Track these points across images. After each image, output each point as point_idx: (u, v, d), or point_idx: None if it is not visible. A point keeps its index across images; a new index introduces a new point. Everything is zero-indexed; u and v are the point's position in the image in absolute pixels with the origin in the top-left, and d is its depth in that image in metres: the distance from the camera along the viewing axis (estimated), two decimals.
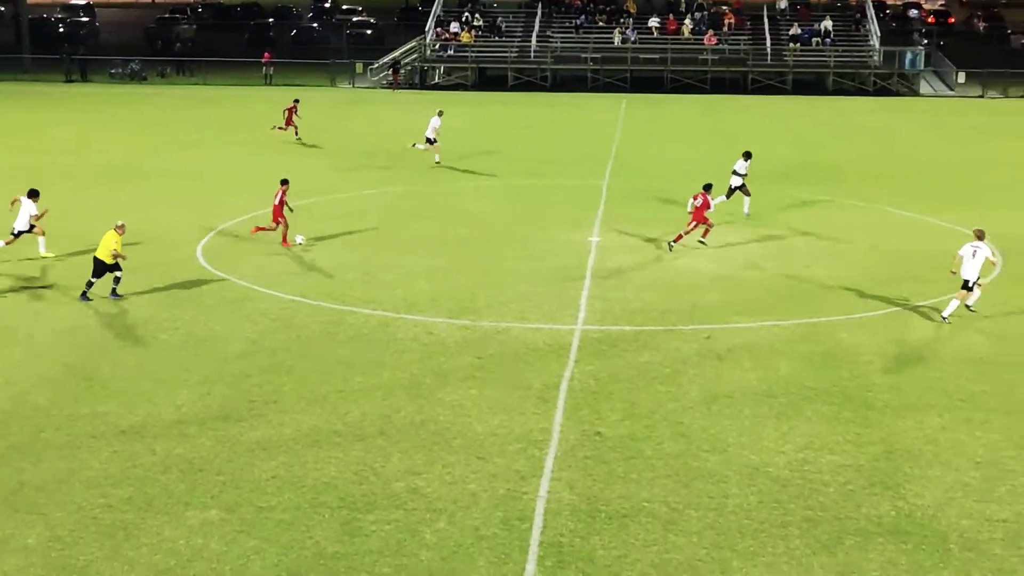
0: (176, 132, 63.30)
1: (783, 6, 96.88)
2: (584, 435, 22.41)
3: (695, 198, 37.20)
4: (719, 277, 33.88)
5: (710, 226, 37.38)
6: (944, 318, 29.76)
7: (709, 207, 37.30)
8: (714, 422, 23.17)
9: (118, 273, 30.87)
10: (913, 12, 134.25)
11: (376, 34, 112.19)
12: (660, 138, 62.45)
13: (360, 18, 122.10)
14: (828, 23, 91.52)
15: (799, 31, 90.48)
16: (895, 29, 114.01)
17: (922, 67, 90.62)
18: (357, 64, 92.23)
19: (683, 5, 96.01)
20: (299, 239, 36.61)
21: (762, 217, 42.00)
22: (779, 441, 22.29)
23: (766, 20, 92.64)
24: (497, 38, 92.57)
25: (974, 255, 29.89)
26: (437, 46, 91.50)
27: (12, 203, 35.23)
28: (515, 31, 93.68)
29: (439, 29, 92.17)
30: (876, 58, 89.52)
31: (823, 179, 50.26)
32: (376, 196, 45.22)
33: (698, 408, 23.88)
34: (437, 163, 52.80)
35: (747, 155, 42.23)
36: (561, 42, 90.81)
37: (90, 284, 30.84)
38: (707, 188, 37.45)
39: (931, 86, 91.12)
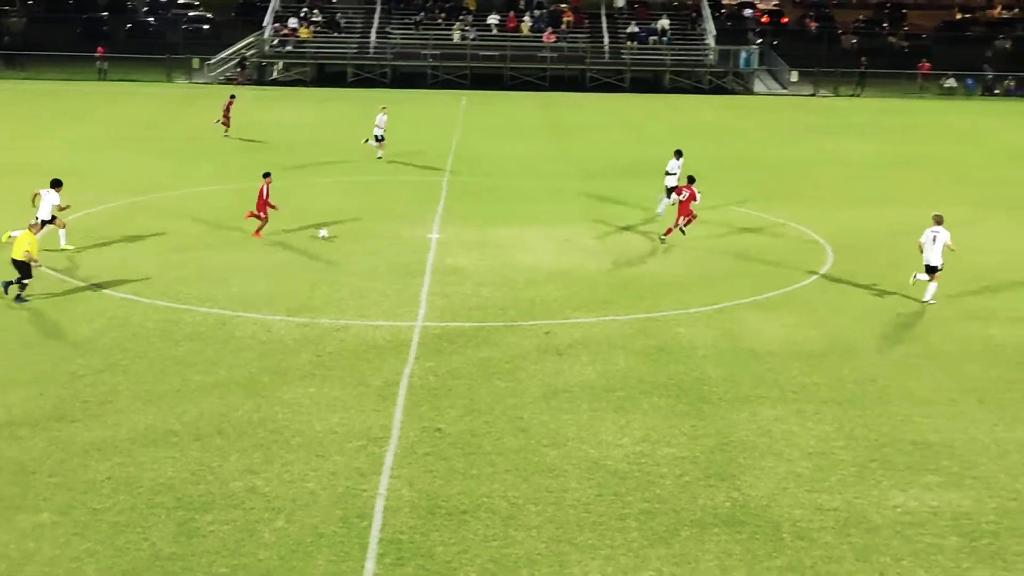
0: (5, 128, 61.73)
1: (621, 5, 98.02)
2: (424, 432, 22.39)
3: (679, 192, 38.18)
4: (558, 273, 34.12)
5: (693, 216, 38.19)
6: (926, 301, 31.67)
7: (695, 199, 37.95)
8: (553, 417, 23.32)
9: (26, 280, 30.13)
10: (747, 12, 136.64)
11: (213, 29, 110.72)
12: (500, 135, 62.70)
13: (197, 13, 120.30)
14: (665, 22, 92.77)
15: (636, 29, 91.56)
16: (730, 28, 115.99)
17: (756, 66, 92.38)
18: (194, 59, 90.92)
19: (522, 3, 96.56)
20: (322, 233, 37.65)
21: (601, 213, 42.40)
22: (617, 435, 22.52)
23: (604, 18, 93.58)
24: (336, 34, 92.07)
25: (935, 240, 31.54)
26: (276, 42, 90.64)
27: (33, 198, 34.65)
28: (354, 27, 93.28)
29: (277, 25, 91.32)
30: (712, 57, 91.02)
31: (659, 175, 50.81)
32: (215, 193, 44.66)
33: (537, 403, 24.01)
34: (379, 159, 53.43)
35: (678, 154, 42.72)
36: (401, 39, 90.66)
37: (23, 286, 30.08)
38: (691, 180, 38.32)
39: (765, 84, 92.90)
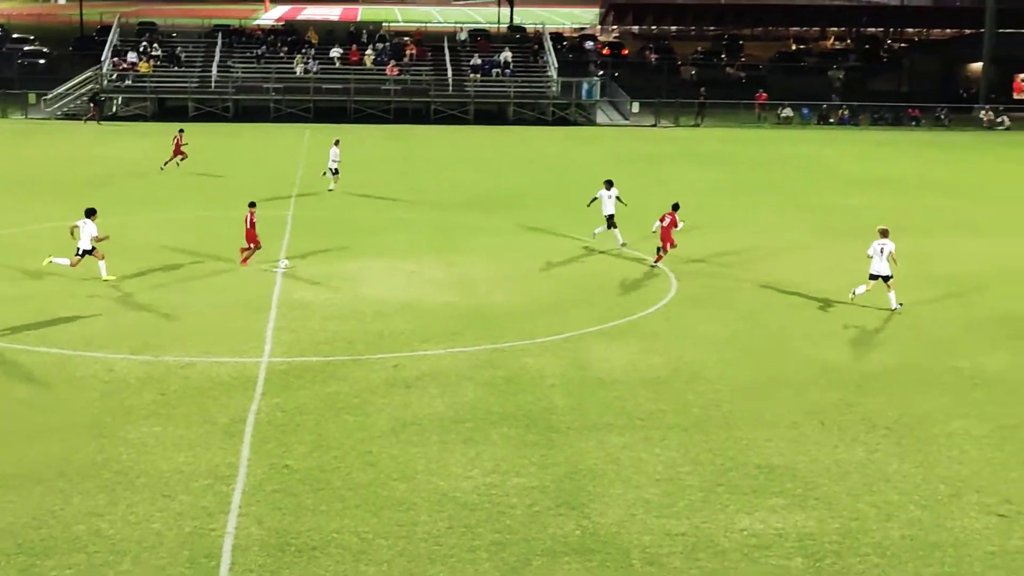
0: None
1: (463, 37, 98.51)
2: (272, 468, 22.16)
3: (662, 219, 38.96)
4: (406, 305, 34.08)
5: (673, 245, 39.14)
6: (894, 309, 34.18)
7: (676, 226, 38.82)
8: (403, 450, 23.25)
9: None
10: (589, 44, 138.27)
11: (50, 64, 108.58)
12: (344, 168, 62.38)
13: (32, 47, 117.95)
14: (508, 54, 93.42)
15: (479, 62, 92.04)
16: (572, 60, 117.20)
17: (598, 97, 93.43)
18: (30, 95, 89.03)
19: (364, 36, 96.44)
20: (282, 264, 38.43)
21: (448, 245, 42.49)
22: (467, 466, 22.52)
23: (447, 51, 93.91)
24: (177, 68, 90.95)
25: (882, 251, 34.01)
26: (114, 76, 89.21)
27: (72, 230, 35.96)
28: (195, 61, 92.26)
29: (116, 59, 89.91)
30: (554, 88, 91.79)
31: (505, 207, 51.21)
32: (51, 230, 43.72)
33: (386, 437, 23.93)
34: (331, 191, 54.33)
35: (609, 184, 43.14)
36: (243, 72, 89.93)
37: None
38: (675, 208, 39.36)
39: (607, 115, 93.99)
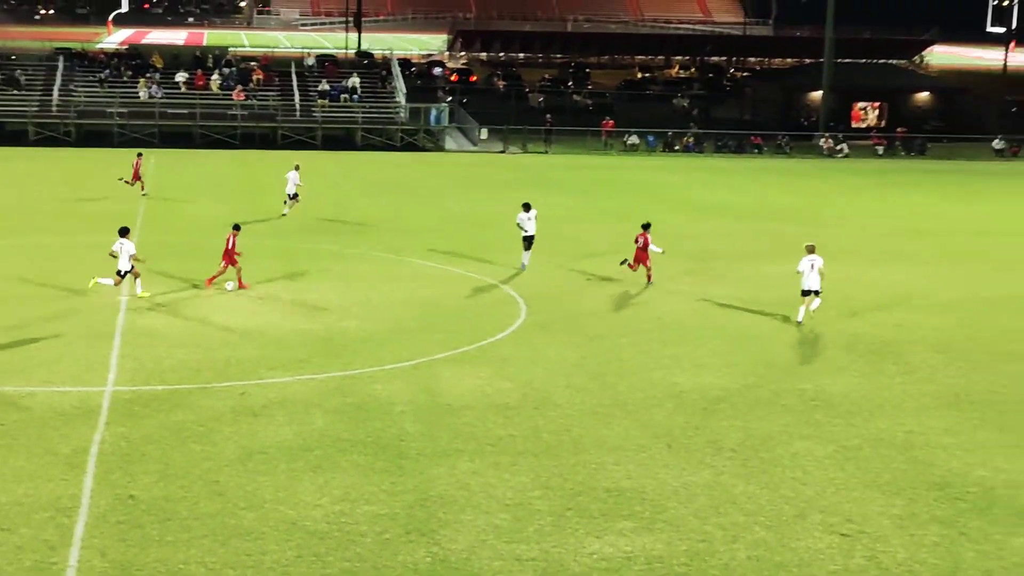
0: None
1: (311, 63, 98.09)
2: (117, 499, 21.72)
3: (636, 240, 40.12)
4: (253, 332, 33.72)
5: (639, 265, 41.15)
6: (799, 322, 36.24)
7: (649, 246, 40.17)
8: (250, 479, 22.97)
9: None
10: (437, 70, 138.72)
11: None
12: (191, 193, 61.72)
13: None
14: (356, 80, 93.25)
15: (327, 87, 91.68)
16: (420, 87, 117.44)
17: (447, 123, 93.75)
18: None
19: (210, 60, 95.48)
20: (228, 286, 38.73)
21: (296, 271, 42.17)
22: (316, 494, 22.32)
23: (294, 76, 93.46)
24: (16, 91, 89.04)
25: (812, 267, 36.12)
26: None
27: (112, 254, 36.86)
28: (35, 84, 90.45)
29: None
30: (403, 114, 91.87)
31: (353, 232, 51.00)
32: None
33: (234, 466, 23.61)
34: (284, 215, 55.15)
35: (527, 207, 43.60)
36: (85, 96, 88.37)
37: None
38: (646, 227, 40.54)
39: (455, 142, 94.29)
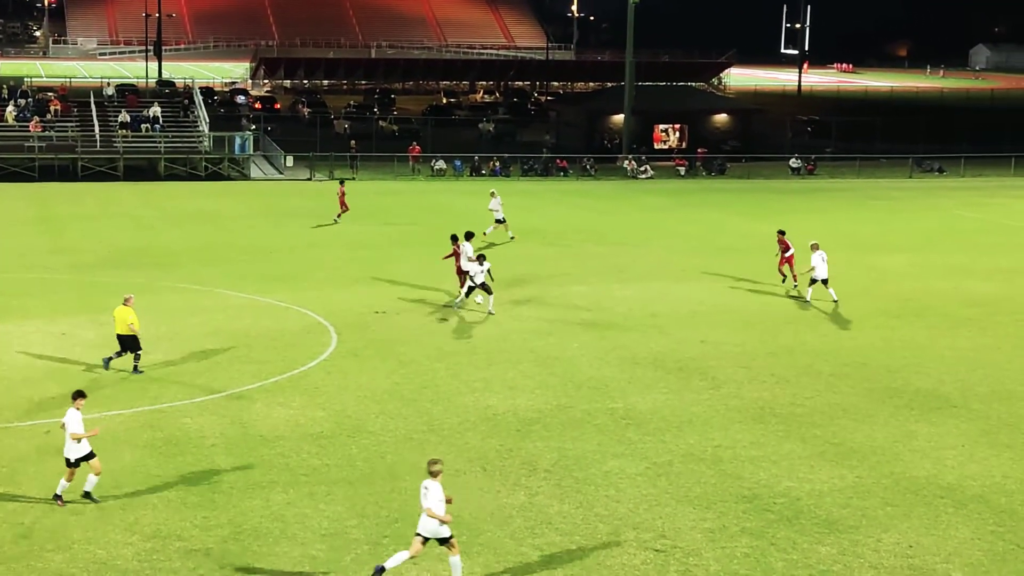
0: None
1: (111, 93, 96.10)
2: None
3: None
4: (57, 369, 32.90)
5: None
6: (835, 301, 42.60)
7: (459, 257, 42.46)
8: (58, 520, 22.41)
9: (139, 351, 32.78)
10: (240, 98, 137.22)
11: None
12: None
13: None
14: (157, 109, 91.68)
15: (128, 118, 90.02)
16: (224, 115, 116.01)
17: (251, 151, 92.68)
18: None
19: (5, 91, 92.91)
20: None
21: (99, 305, 41.23)
22: (126, 533, 21.88)
23: (93, 106, 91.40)
24: None
25: (823, 260, 42.49)
26: None
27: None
28: None
29: None
30: (207, 143, 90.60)
31: (159, 264, 50.10)
32: None
33: (40, 507, 22.99)
34: (512, 238, 57.67)
35: (468, 235, 44.10)
36: None
37: (137, 357, 32.72)
38: (468, 236, 43.57)
39: (261, 170, 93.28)
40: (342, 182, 66.78)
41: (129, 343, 32.67)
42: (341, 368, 33.73)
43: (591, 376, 33.44)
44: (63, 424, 23.61)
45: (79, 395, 24.24)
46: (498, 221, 58.39)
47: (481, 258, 41.03)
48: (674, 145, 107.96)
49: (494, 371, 33.74)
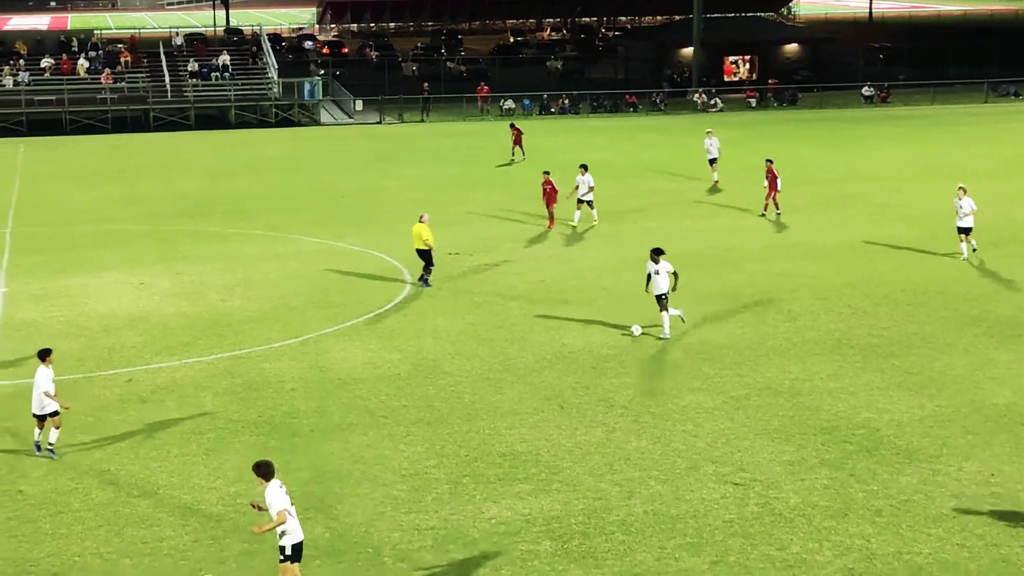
0: None
1: (179, 42, 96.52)
2: (5, 496, 21.41)
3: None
4: (135, 318, 33.30)
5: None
6: (965, 258, 38.93)
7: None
8: (143, 466, 22.75)
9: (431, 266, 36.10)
10: (308, 44, 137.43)
11: None
12: (64, 181, 60.61)
13: None
14: (226, 57, 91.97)
15: (197, 67, 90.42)
16: (292, 61, 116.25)
17: (321, 97, 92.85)
18: None
19: (76, 44, 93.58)
20: (636, 330, 31.69)
21: (175, 255, 41.67)
22: (210, 477, 22.18)
23: (163, 57, 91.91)
24: None
25: (969, 208, 38.68)
26: None
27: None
28: None
29: None
30: (276, 90, 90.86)
31: (232, 212, 50.45)
32: None
33: (125, 454, 23.36)
34: (716, 182, 54.93)
35: (584, 167, 45.49)
36: None
37: (428, 271, 36.13)
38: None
39: (331, 115, 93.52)
40: (512, 124, 67.76)
41: (426, 256, 36.06)
42: (416, 310, 33.87)
43: None
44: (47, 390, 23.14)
45: (46, 353, 23.71)
46: (711, 160, 55.77)
47: (657, 253, 31.13)
48: (744, 77, 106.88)
49: (568, 309, 33.74)
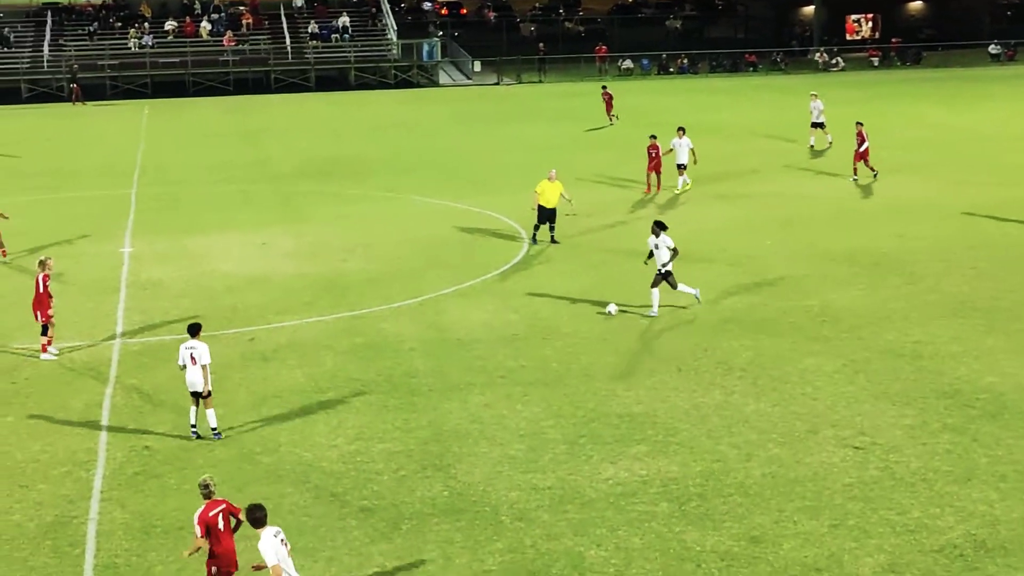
0: None
1: (300, 4, 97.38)
2: (132, 451, 21.87)
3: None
4: (257, 278, 33.77)
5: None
6: None
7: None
8: (265, 424, 23.10)
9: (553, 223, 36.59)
10: (427, 5, 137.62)
11: None
12: (187, 143, 61.58)
13: None
14: (346, 19, 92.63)
15: (317, 28, 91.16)
16: (411, 22, 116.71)
17: (439, 58, 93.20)
18: None
19: (199, 7, 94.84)
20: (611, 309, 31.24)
21: (296, 215, 42.16)
22: (330, 435, 22.46)
23: (284, 19, 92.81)
24: (6, 49, 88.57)
25: None
26: None
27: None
28: (25, 41, 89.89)
29: None
30: (395, 51, 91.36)
31: (352, 173, 50.90)
32: None
33: (247, 412, 23.73)
34: (830, 143, 54.15)
35: (682, 131, 44.94)
36: (76, 50, 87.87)
37: (545, 229, 36.57)
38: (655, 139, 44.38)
39: (450, 76, 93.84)
40: (604, 87, 67.42)
41: (549, 215, 36.34)
42: (534, 271, 33.93)
43: (785, 274, 33.05)
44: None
45: (198, 328, 22.74)
46: (814, 124, 54.74)
47: (659, 227, 29.97)
48: (867, 35, 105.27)
49: (687, 270, 33.51)
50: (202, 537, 15.92)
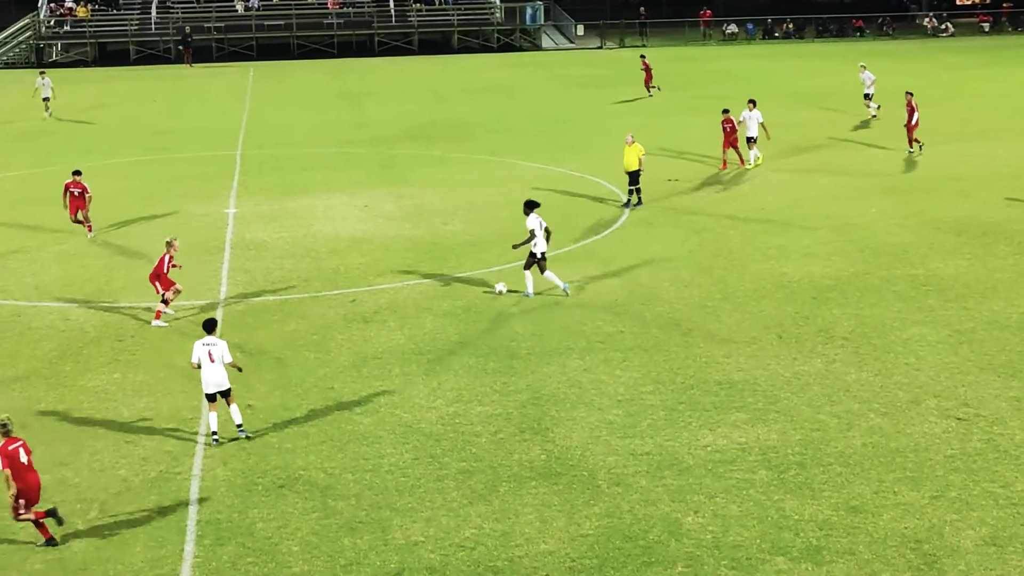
0: None
1: None
2: None
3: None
4: (359, 240, 33.99)
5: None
6: None
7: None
8: (365, 384, 23.28)
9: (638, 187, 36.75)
10: None
11: None
12: (291, 105, 62.08)
13: None
14: None
15: None
16: None
17: (542, 22, 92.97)
18: None
19: None
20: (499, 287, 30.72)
21: (398, 178, 42.35)
22: (429, 397, 22.59)
23: None
24: (116, 12, 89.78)
25: None
26: (52, 22, 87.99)
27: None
28: (134, 3, 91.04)
29: (53, 4, 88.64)
30: (498, 15, 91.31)
31: (454, 136, 51.02)
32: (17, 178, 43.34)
33: (348, 372, 23.95)
34: (874, 115, 52.76)
35: (752, 103, 43.56)
36: (183, 13, 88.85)
37: (632, 192, 36.83)
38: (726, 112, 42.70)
39: (552, 40, 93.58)
40: (643, 57, 65.94)
41: (635, 177, 36.49)
42: (634, 236, 33.81)
43: (889, 242, 32.63)
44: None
45: (214, 324, 21.56)
46: (867, 96, 53.75)
47: (529, 207, 29.26)
48: (978, 0, 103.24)
49: (789, 238, 33.27)
50: (5, 469, 17.24)
